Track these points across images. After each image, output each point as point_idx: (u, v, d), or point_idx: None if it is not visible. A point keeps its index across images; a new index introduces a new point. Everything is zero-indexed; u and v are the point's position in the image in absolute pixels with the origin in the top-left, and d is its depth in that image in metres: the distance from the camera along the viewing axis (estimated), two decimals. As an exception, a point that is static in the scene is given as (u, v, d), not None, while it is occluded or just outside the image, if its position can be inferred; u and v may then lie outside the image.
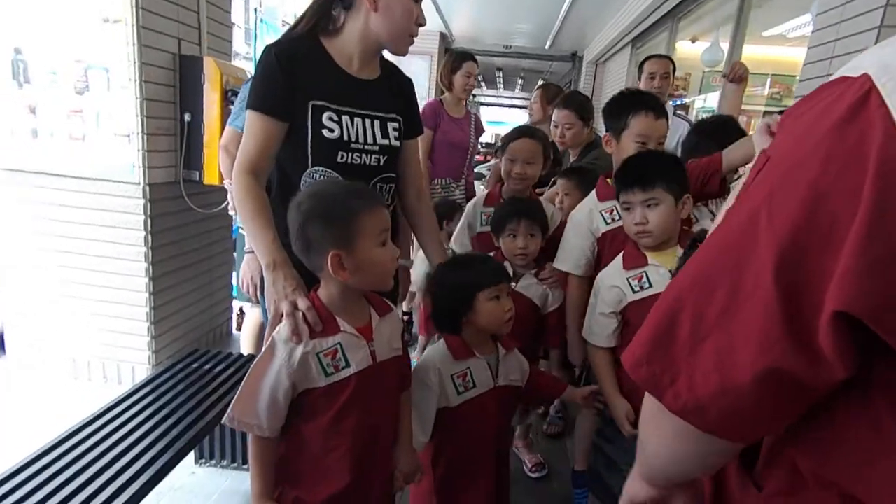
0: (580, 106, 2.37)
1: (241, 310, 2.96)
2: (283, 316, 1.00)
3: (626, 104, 1.52)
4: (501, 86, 15.35)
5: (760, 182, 0.40)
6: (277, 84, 1.16)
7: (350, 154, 1.22)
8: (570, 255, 1.57)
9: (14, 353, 2.42)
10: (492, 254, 1.68)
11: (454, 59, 2.98)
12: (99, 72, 2.02)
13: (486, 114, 17.84)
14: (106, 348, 2.35)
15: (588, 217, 1.56)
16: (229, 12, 2.67)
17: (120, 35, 1.99)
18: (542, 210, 1.69)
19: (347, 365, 1.01)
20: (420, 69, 7.23)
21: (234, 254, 2.69)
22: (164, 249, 2.34)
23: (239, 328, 3.06)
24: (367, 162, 1.25)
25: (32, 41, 2.00)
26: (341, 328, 1.01)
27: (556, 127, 2.40)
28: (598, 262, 1.54)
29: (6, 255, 2.32)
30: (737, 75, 2.03)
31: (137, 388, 1.62)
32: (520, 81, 13.90)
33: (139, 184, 2.17)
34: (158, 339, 2.37)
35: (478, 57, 3.12)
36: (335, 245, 0.97)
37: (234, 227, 2.64)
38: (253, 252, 1.44)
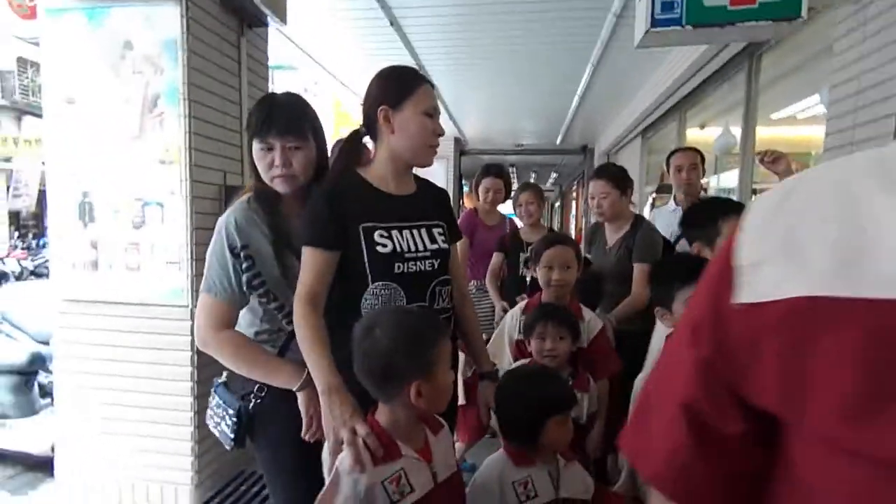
0: (613, 175, 2.32)
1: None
2: (343, 443, 0.99)
3: (717, 211, 1.60)
4: (515, 180, 16.05)
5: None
6: (326, 219, 1.25)
7: (406, 263, 1.28)
8: None
9: (62, 477, 2.41)
10: (527, 360, 1.73)
11: (478, 174, 3.21)
12: (154, 207, 2.20)
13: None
14: (149, 470, 2.33)
15: None
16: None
17: (173, 174, 2.20)
18: (571, 315, 1.73)
19: (412, 490, 0.97)
20: (437, 171, 7.67)
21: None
22: (209, 368, 2.36)
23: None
24: (423, 268, 1.31)
25: (98, 184, 2.22)
26: (403, 452, 0.99)
27: (592, 199, 2.35)
28: None
29: (61, 381, 2.38)
30: (771, 159, 1.99)
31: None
32: (533, 175, 14.53)
33: (187, 306, 2.26)
34: (202, 458, 2.34)
35: (491, 155, 3.36)
36: (419, 374, 1.00)
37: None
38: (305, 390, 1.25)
